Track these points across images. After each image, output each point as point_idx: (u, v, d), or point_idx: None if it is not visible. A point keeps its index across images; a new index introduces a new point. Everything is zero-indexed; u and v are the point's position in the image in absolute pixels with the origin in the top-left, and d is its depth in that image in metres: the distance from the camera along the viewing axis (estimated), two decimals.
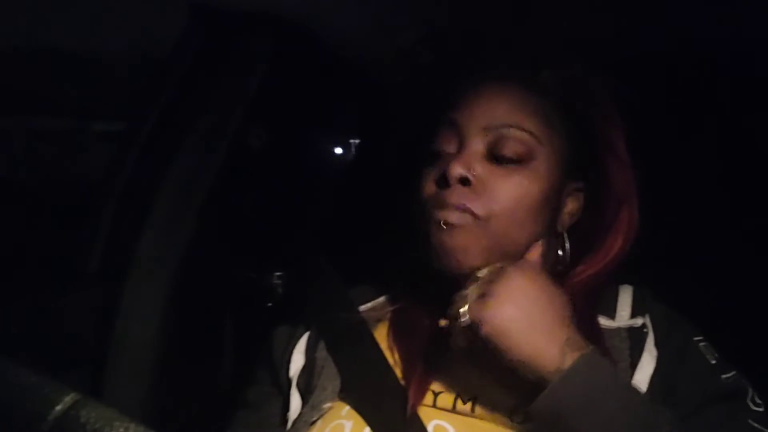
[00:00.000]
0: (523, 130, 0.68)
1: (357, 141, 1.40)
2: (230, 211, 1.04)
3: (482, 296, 0.61)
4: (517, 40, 0.94)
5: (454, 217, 0.66)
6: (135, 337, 0.89)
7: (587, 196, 0.74)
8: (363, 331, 0.75)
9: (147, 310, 0.90)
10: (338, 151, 1.57)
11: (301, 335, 0.78)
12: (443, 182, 0.68)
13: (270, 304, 1.16)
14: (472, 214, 0.66)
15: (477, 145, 0.69)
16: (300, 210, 1.03)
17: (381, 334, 0.75)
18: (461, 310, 0.61)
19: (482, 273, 0.64)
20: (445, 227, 0.67)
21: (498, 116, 0.69)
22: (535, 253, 0.69)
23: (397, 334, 0.75)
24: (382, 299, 0.80)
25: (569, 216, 0.73)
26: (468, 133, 0.69)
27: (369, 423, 0.66)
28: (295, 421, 0.71)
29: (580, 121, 0.73)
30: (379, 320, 0.77)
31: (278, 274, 1.17)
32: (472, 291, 0.62)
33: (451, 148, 0.70)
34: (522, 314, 0.60)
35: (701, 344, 0.69)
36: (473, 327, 0.60)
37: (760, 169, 1.06)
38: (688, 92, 1.06)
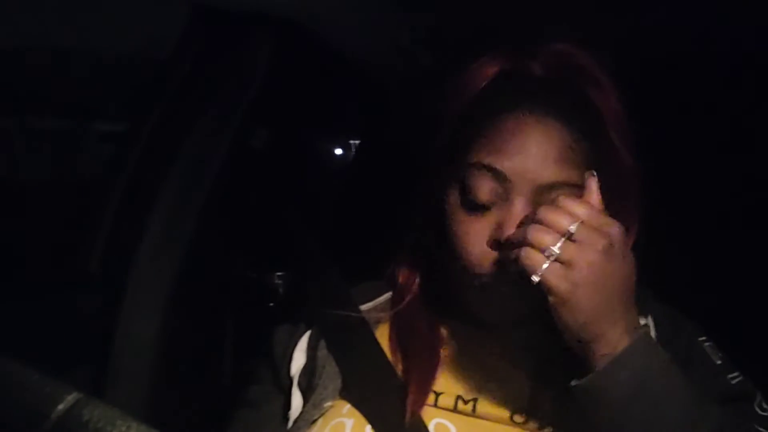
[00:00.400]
0: (572, 185, 0.64)
1: (357, 141, 1.41)
2: (231, 211, 1.04)
3: (566, 262, 0.57)
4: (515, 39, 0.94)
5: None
6: (136, 336, 0.89)
7: None
8: (364, 330, 0.75)
9: (148, 310, 0.90)
10: (338, 151, 1.57)
11: (302, 334, 0.78)
12: (497, 246, 0.65)
13: (271, 304, 1.16)
14: None
15: (527, 204, 0.64)
16: (301, 210, 1.03)
17: (382, 334, 0.75)
18: (543, 265, 0.56)
19: (574, 228, 0.57)
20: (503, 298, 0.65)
21: (549, 174, 0.64)
22: (594, 185, 0.63)
23: (399, 334, 0.75)
24: (383, 299, 0.79)
25: None
26: (518, 190, 0.64)
27: (370, 421, 0.67)
28: (296, 420, 0.71)
29: (592, 115, 0.69)
30: (380, 320, 0.77)
31: (279, 274, 1.17)
32: (556, 250, 0.57)
33: (492, 197, 0.65)
34: (599, 302, 0.56)
35: (706, 344, 0.69)
36: (541, 288, 0.57)
37: (760, 169, 1.06)
38: (688, 92, 1.07)
